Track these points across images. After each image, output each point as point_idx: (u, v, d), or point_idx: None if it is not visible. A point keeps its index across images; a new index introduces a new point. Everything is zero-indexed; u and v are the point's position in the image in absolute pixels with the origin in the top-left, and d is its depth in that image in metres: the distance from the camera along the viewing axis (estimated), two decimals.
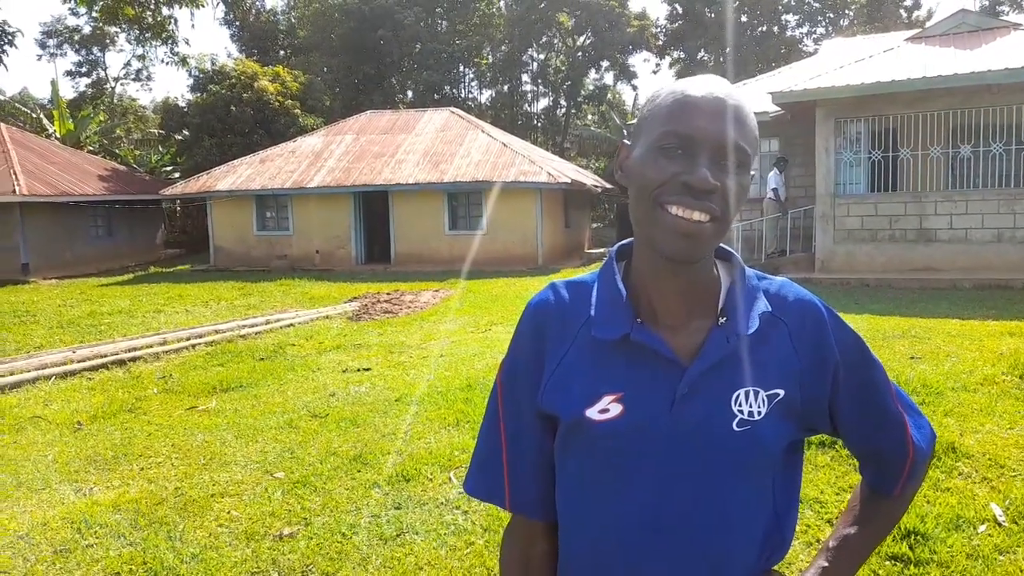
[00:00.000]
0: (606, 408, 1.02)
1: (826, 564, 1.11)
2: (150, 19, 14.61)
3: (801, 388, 1.04)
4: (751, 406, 1.01)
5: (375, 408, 5.62)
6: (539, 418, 1.10)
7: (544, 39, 40.43)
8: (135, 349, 8.31)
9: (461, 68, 40.30)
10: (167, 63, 44.87)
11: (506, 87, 41.54)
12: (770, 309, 1.05)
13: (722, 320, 1.03)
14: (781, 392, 1.02)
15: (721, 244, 1.05)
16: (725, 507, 1.02)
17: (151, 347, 8.46)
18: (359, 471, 4.35)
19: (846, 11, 37.58)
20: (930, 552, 3.03)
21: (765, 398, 1.01)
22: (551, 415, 1.08)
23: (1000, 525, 3.23)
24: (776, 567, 1.10)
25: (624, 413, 1.01)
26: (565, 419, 1.05)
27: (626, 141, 1.07)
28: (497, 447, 1.14)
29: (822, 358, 1.05)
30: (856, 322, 7.68)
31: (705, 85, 0.99)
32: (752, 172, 1.01)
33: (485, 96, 42.85)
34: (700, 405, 1.00)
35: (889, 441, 1.11)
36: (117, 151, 28.90)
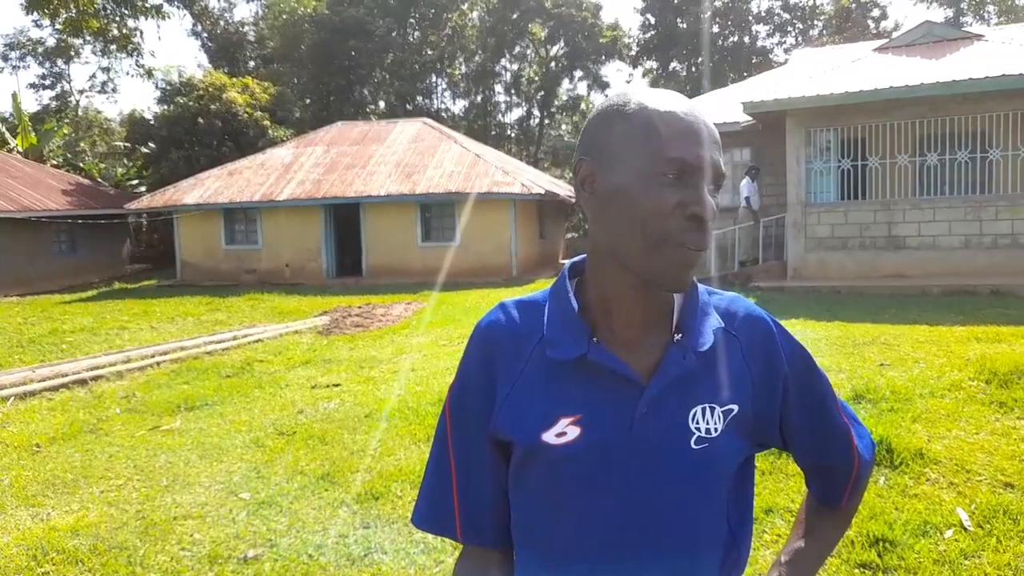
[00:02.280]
0: (563, 431, 0.99)
1: None
2: (115, 31, 14.44)
3: (754, 402, 1.03)
4: (708, 423, 1.00)
5: (344, 425, 5.54)
6: (491, 444, 1.06)
7: (517, 49, 40.58)
8: (97, 368, 8.13)
9: (433, 78, 40.29)
10: (133, 75, 44.42)
11: (479, 97, 41.54)
12: (722, 325, 1.04)
13: (678, 337, 1.01)
14: (735, 408, 1.01)
15: None
16: (687, 526, 1.00)
17: (114, 365, 8.27)
18: (327, 490, 4.28)
19: (815, 22, 38.23)
20: (898, 559, 3.04)
21: (721, 414, 1.00)
22: (505, 441, 1.04)
23: (966, 530, 3.26)
24: None
25: (582, 436, 0.98)
26: (521, 444, 1.02)
27: (585, 158, 1.01)
28: (446, 477, 1.10)
29: (772, 371, 1.05)
30: (827, 330, 7.74)
31: (684, 104, 0.97)
32: None
33: (458, 107, 42.85)
34: (659, 424, 0.98)
35: (836, 453, 1.12)
36: (82, 165, 28.45)
